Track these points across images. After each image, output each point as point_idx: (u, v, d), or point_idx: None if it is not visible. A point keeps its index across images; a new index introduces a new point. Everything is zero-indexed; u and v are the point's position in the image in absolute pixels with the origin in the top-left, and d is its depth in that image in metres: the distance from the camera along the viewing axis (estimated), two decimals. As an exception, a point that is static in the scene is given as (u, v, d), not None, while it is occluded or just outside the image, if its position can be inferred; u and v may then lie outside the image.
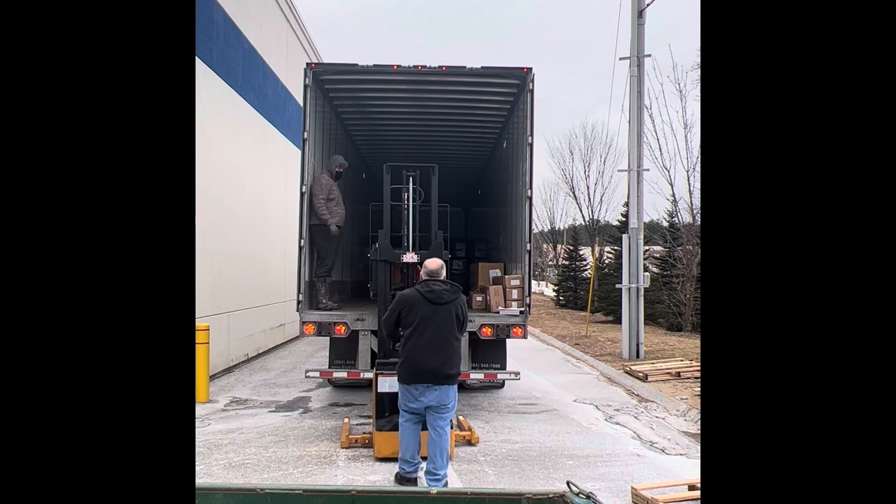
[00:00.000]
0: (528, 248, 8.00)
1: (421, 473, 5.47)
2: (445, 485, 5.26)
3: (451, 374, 5.32)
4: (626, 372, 10.94)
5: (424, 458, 5.47)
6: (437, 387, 5.28)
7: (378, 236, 6.84)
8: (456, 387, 5.45)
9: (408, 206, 7.13)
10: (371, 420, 6.89)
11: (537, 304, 28.24)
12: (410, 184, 7.11)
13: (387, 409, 6.12)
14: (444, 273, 5.71)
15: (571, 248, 31.51)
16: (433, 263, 5.68)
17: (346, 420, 7.34)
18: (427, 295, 5.39)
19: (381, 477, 5.64)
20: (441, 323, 5.34)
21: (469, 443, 6.70)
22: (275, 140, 14.28)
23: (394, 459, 5.78)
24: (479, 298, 8.86)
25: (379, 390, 6.14)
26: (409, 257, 6.77)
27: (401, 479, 5.41)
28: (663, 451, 6.58)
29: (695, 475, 5.36)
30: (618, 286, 13.72)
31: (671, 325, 17.97)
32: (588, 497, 2.31)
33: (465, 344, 7.71)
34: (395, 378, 5.63)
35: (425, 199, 7.37)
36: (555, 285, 33.18)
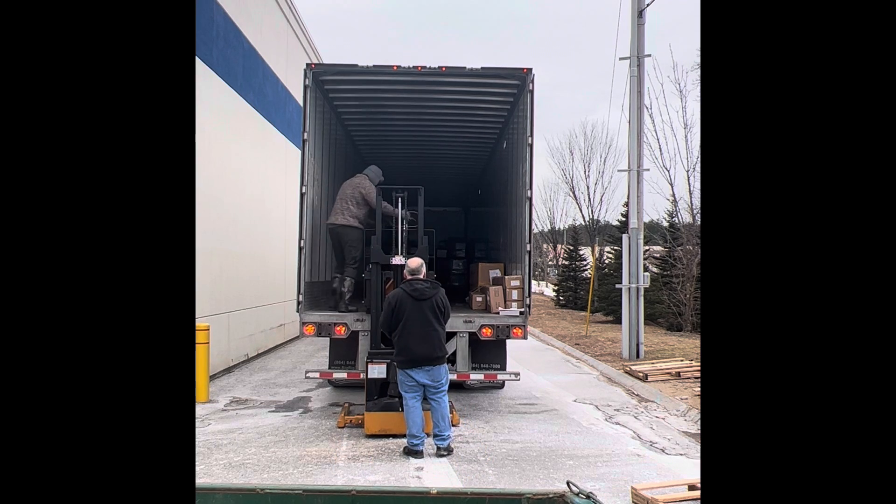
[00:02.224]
0: (528, 248, 8.01)
1: (428, 443, 6.40)
2: (449, 447, 6.30)
3: (438, 356, 6.38)
4: (626, 372, 10.94)
5: (428, 434, 6.48)
6: (428, 368, 6.33)
7: (371, 243, 7.66)
8: (446, 366, 6.51)
9: (397, 226, 7.82)
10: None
11: (537, 304, 28.24)
12: (399, 204, 7.85)
13: (375, 392, 6.94)
14: (423, 270, 6.71)
15: (571, 248, 31.49)
16: (413, 262, 6.72)
17: (346, 404, 8.07)
18: (412, 293, 6.40)
19: (381, 477, 5.65)
20: (425, 315, 6.36)
21: (451, 424, 7.00)
22: (275, 140, 14.28)
23: (383, 436, 6.76)
24: (479, 299, 8.85)
25: (369, 376, 6.95)
26: (397, 260, 7.57)
27: (409, 451, 6.29)
28: (663, 451, 6.58)
29: (695, 475, 5.35)
30: (618, 286, 13.72)
31: (671, 325, 17.97)
32: (588, 497, 2.31)
33: (466, 344, 7.79)
34: (384, 365, 6.80)
35: (416, 211, 8.07)
36: (555, 285, 33.17)
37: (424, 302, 6.36)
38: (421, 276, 6.58)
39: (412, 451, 6.24)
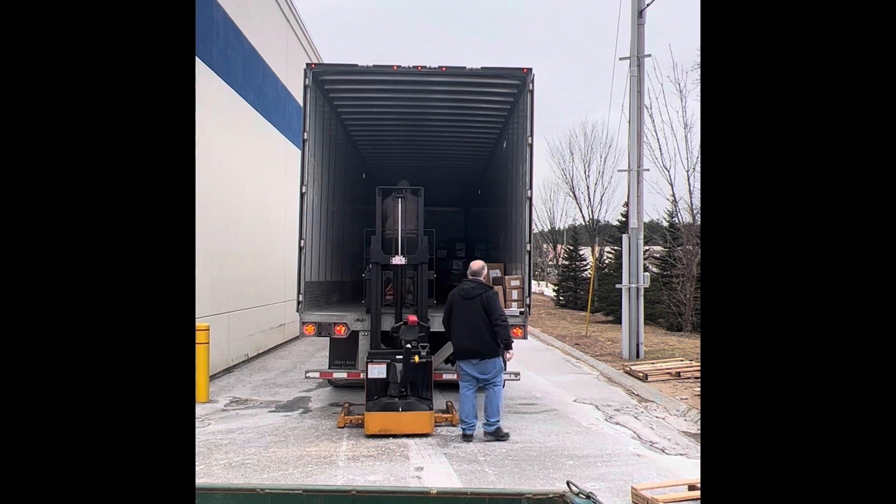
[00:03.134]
0: (528, 248, 8.01)
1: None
2: (498, 430, 6.84)
3: (481, 351, 6.84)
4: (626, 372, 10.94)
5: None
6: (475, 361, 6.87)
7: (371, 243, 7.71)
8: (497, 359, 6.90)
9: (396, 227, 7.86)
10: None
11: (537, 304, 28.24)
12: (399, 204, 7.89)
13: (375, 392, 6.95)
14: (485, 271, 7.25)
15: (571, 248, 31.49)
16: (475, 265, 7.25)
17: (346, 404, 8.09)
18: (461, 292, 7.01)
19: (381, 477, 5.65)
20: (470, 313, 6.86)
21: (451, 424, 7.40)
22: (275, 140, 14.28)
23: (383, 436, 6.82)
24: (478, 298, 8.85)
25: (369, 376, 6.98)
26: (398, 260, 7.62)
27: (462, 435, 6.86)
28: (663, 451, 6.58)
29: (695, 475, 5.35)
30: (618, 286, 13.72)
31: (671, 325, 17.96)
32: (588, 497, 2.31)
33: None
34: (384, 365, 6.95)
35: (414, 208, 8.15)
36: (555, 285, 33.17)
37: (470, 301, 6.91)
38: (480, 278, 7.14)
39: (463, 435, 6.87)
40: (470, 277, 7.14)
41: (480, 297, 6.89)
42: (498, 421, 6.88)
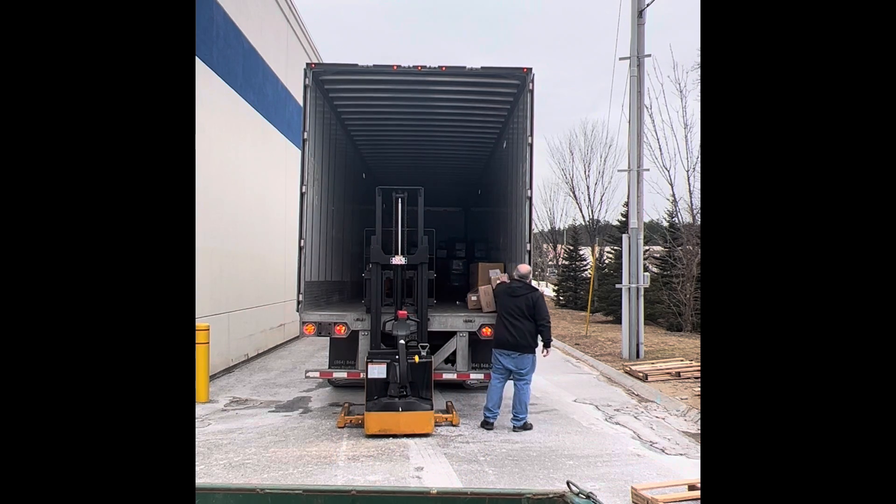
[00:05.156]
0: (528, 248, 8.01)
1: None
2: (524, 425, 7.29)
3: (521, 344, 7.31)
4: (626, 372, 10.94)
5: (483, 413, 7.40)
6: (512, 354, 7.33)
7: (371, 243, 7.71)
8: (532, 356, 7.36)
9: (396, 227, 7.93)
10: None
11: (537, 304, 28.13)
12: (399, 204, 7.94)
13: (375, 392, 6.97)
14: (531, 275, 7.71)
15: (571, 248, 31.49)
16: (523, 268, 7.70)
17: (346, 404, 8.08)
18: (507, 290, 7.55)
19: (381, 477, 5.64)
20: (515, 310, 7.36)
21: (451, 424, 7.46)
22: (275, 140, 14.28)
23: (383, 436, 6.83)
24: (473, 298, 8.84)
25: (369, 376, 7.00)
26: (398, 260, 7.68)
27: (484, 423, 7.37)
28: (663, 451, 6.58)
29: (695, 475, 5.35)
30: (618, 286, 13.72)
31: (671, 325, 17.95)
32: (588, 497, 2.31)
33: (465, 344, 7.84)
34: (384, 365, 6.98)
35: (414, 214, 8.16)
36: (555, 285, 33.17)
37: (516, 298, 7.42)
38: (526, 280, 7.63)
39: (485, 423, 7.36)
40: (517, 278, 7.64)
41: (526, 297, 7.41)
42: (525, 417, 7.39)
